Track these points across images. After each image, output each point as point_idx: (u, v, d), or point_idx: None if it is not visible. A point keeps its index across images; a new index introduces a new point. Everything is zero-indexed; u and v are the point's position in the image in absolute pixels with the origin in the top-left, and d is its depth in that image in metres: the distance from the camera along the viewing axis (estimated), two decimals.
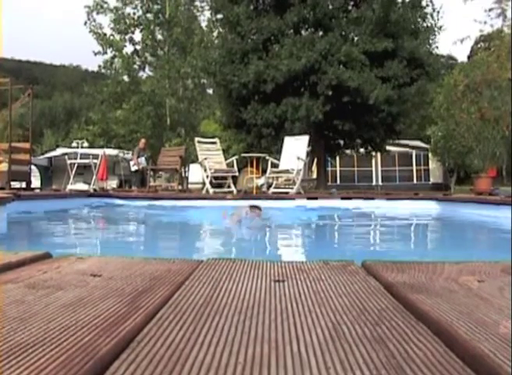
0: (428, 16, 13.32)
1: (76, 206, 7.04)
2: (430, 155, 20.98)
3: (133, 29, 16.65)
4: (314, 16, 12.59)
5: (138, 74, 17.26)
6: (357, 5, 13.19)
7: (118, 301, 0.92)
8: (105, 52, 16.35)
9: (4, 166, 8.09)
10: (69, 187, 12.46)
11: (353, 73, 11.72)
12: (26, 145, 9.37)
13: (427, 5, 13.23)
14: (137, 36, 16.87)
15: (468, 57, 22.84)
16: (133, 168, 12.66)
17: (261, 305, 0.92)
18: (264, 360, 0.63)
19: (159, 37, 16.97)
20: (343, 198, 7.63)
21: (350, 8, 13.52)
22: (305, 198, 7.75)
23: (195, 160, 12.51)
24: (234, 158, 9.87)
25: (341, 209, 6.84)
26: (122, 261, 1.44)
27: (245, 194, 8.50)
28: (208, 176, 9.13)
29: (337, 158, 20.71)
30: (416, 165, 22.35)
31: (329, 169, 20.34)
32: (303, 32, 13.29)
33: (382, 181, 22.01)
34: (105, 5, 16.23)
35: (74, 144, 24.74)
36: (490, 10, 12.70)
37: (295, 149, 9.41)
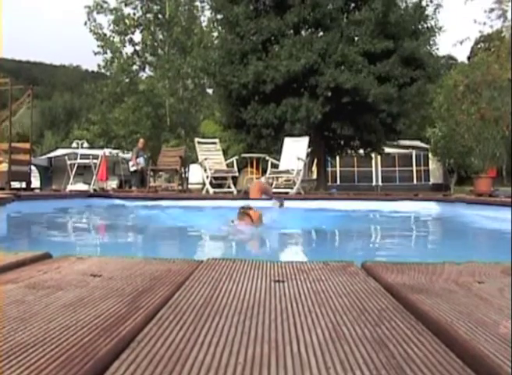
0: (429, 17, 13.32)
1: (76, 206, 7.04)
2: (430, 155, 20.99)
3: (133, 29, 16.66)
4: (313, 17, 12.59)
5: (138, 75, 17.26)
6: (358, 7, 13.20)
7: (118, 301, 0.93)
8: (105, 52, 16.37)
9: (4, 167, 8.10)
10: (69, 187, 12.47)
11: (351, 74, 11.72)
12: (26, 145, 9.38)
13: (427, 5, 13.24)
14: (137, 36, 16.90)
15: (468, 58, 22.85)
16: (132, 168, 12.67)
17: (261, 305, 0.92)
18: (264, 360, 0.63)
19: (160, 37, 16.97)
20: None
21: (350, 8, 13.52)
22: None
23: (195, 160, 12.52)
24: (234, 159, 9.88)
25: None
26: (122, 261, 1.44)
27: (245, 195, 8.50)
28: (208, 177, 9.13)
29: (337, 159, 20.72)
30: (416, 165, 22.36)
31: (329, 169, 20.34)
32: (303, 32, 13.29)
33: (382, 182, 22.02)
34: (105, 5, 16.24)
35: (74, 145, 24.77)
36: (490, 11, 12.72)
37: (295, 150, 9.43)
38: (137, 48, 17.00)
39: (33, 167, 11.10)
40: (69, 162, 13.71)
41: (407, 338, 0.73)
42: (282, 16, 12.85)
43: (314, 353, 0.66)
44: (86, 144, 23.59)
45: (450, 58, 26.50)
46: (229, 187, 9.48)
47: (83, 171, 15.17)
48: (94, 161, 13.39)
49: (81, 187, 12.45)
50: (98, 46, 16.26)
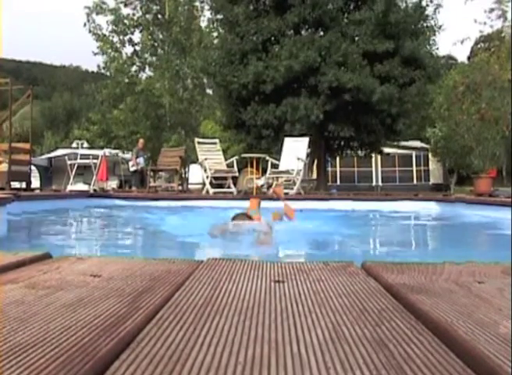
0: (429, 17, 13.31)
1: (76, 207, 7.04)
2: (430, 155, 20.98)
3: (132, 30, 16.66)
4: (314, 17, 12.59)
5: (138, 75, 17.26)
6: (358, 7, 13.20)
7: (118, 301, 0.93)
8: (104, 53, 16.37)
9: (4, 167, 8.10)
10: (69, 187, 12.47)
11: (353, 74, 11.72)
12: (26, 146, 9.38)
13: (427, 5, 13.24)
14: (137, 37, 16.90)
15: (468, 58, 22.85)
16: (132, 168, 12.67)
17: (261, 305, 0.92)
18: (264, 360, 0.63)
19: (160, 36, 16.97)
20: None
21: (350, 8, 13.52)
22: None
23: (195, 161, 12.53)
24: (234, 159, 9.87)
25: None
26: (122, 261, 1.44)
27: (245, 195, 8.50)
28: (208, 177, 9.13)
29: (337, 159, 20.71)
30: (416, 165, 22.35)
31: (329, 169, 20.33)
32: (303, 32, 13.29)
33: (382, 182, 22.01)
34: (104, 6, 16.24)
35: (74, 145, 24.78)
36: (491, 11, 12.71)
37: (295, 150, 9.43)
38: (137, 48, 17.01)
39: (33, 167, 11.09)
40: (69, 163, 13.70)
41: (407, 338, 0.73)
42: (282, 15, 12.84)
43: (314, 353, 0.66)
44: (86, 144, 23.59)
45: (450, 58, 26.50)
46: (229, 188, 9.48)
47: (83, 171, 15.17)
48: (94, 161, 13.39)
49: (81, 187, 12.45)
50: (98, 47, 16.28)
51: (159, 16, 16.59)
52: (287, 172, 9.07)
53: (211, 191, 8.98)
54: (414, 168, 22.35)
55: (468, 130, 10.97)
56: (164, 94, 15.87)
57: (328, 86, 11.74)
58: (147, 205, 7.55)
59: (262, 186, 10.88)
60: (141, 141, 13.13)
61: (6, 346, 0.66)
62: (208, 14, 15.98)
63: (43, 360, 0.61)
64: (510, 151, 11.22)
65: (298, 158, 8.96)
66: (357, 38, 12.72)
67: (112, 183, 16.48)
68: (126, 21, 16.45)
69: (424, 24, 13.35)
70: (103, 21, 16.39)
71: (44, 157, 24.29)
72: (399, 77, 12.29)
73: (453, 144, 14.54)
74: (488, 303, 0.93)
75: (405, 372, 0.60)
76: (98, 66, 16.91)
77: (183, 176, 13.54)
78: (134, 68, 17.10)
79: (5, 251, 1.62)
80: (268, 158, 9.68)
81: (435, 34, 13.48)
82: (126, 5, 16.44)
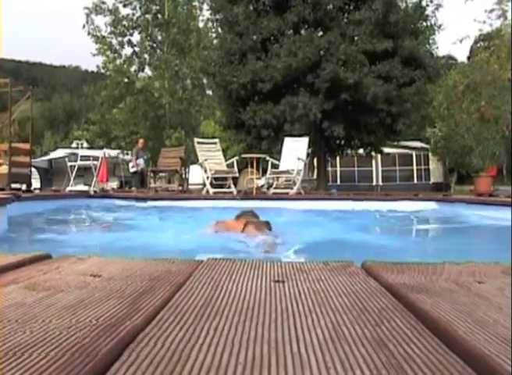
0: (429, 16, 13.31)
1: (76, 207, 7.04)
2: (430, 154, 20.98)
3: (131, 31, 16.66)
4: (313, 17, 12.59)
5: (137, 76, 17.23)
6: (358, 7, 13.20)
7: (118, 302, 0.93)
8: (103, 54, 16.36)
9: (4, 169, 8.09)
10: (70, 189, 12.46)
11: (353, 73, 11.72)
12: (27, 146, 9.37)
13: (427, 5, 13.23)
14: (136, 37, 16.89)
15: (468, 57, 22.84)
16: (132, 169, 12.68)
17: (261, 305, 0.92)
18: (264, 360, 0.63)
19: (159, 37, 16.96)
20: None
21: (350, 8, 13.51)
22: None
23: (195, 161, 12.52)
24: (234, 159, 9.88)
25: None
26: (122, 261, 1.44)
27: (245, 195, 8.50)
28: (208, 177, 9.13)
29: (337, 159, 20.71)
30: (416, 165, 22.35)
31: (329, 169, 20.33)
32: (302, 32, 13.29)
33: (383, 181, 22.01)
34: (104, 6, 16.23)
35: (74, 145, 24.79)
36: (491, 11, 12.69)
37: (295, 150, 9.43)
38: (136, 48, 17.00)
39: (33, 169, 11.10)
40: (69, 164, 13.70)
41: (407, 338, 0.73)
42: (281, 15, 12.85)
43: (314, 353, 0.66)
44: (85, 145, 23.60)
45: (450, 58, 26.49)
46: (229, 188, 9.48)
47: (84, 172, 15.16)
48: (95, 162, 13.38)
49: (81, 188, 12.44)
50: (97, 49, 16.27)
51: (159, 16, 16.58)
52: (287, 172, 9.07)
53: (212, 191, 8.98)
54: (415, 167, 22.35)
55: (468, 130, 10.97)
56: (163, 94, 15.86)
57: (327, 80, 11.71)
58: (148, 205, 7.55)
59: (262, 186, 10.90)
60: (141, 141, 13.12)
61: (6, 347, 0.66)
62: (206, 14, 16.02)
63: (43, 361, 0.61)
64: (510, 150, 11.21)
65: (298, 158, 8.96)
66: (356, 38, 12.72)
67: (113, 184, 16.49)
68: (125, 22, 16.44)
69: (424, 24, 13.35)
70: (102, 22, 16.40)
71: (44, 159, 24.32)
72: (398, 77, 12.29)
73: (453, 143, 14.54)
74: (489, 303, 0.93)
75: (405, 371, 0.60)
76: (98, 67, 16.92)
77: (184, 176, 13.54)
78: (133, 68, 17.08)
79: (6, 251, 1.62)
80: (268, 158, 9.69)
81: (434, 34, 13.48)
82: (125, 6, 16.44)
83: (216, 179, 9.63)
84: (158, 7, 16.59)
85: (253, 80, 12.40)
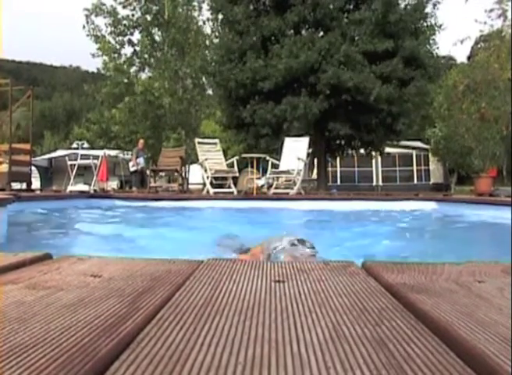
0: (428, 15, 13.30)
1: (77, 207, 7.04)
2: (430, 155, 20.98)
3: (131, 31, 16.66)
4: (314, 17, 12.60)
5: (137, 76, 17.23)
6: (358, 6, 13.20)
7: (118, 301, 0.93)
8: (103, 54, 16.36)
9: (4, 168, 8.10)
10: (70, 188, 12.47)
11: (354, 73, 11.72)
12: (27, 146, 9.38)
13: (426, 3, 13.22)
14: (136, 37, 16.89)
15: (468, 58, 22.83)
16: (132, 169, 12.68)
17: (261, 305, 0.92)
18: (264, 360, 0.63)
19: (158, 38, 16.96)
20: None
21: (351, 7, 13.52)
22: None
23: (195, 161, 12.53)
24: (234, 159, 9.88)
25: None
26: (122, 261, 1.44)
27: (245, 195, 8.50)
28: (208, 177, 9.13)
29: (337, 159, 20.72)
30: (416, 165, 22.35)
31: (330, 169, 20.35)
32: (303, 32, 13.29)
33: (383, 181, 22.01)
34: (104, 7, 16.23)
35: (74, 145, 24.79)
36: (491, 11, 12.68)
37: (295, 150, 9.44)
38: (137, 48, 17.00)
39: (33, 168, 11.10)
40: (69, 163, 13.71)
41: (407, 338, 0.73)
42: (282, 15, 12.85)
43: (314, 353, 0.66)
44: (86, 145, 23.60)
45: (450, 58, 26.48)
46: (229, 188, 9.48)
47: (84, 172, 15.18)
48: (95, 161, 13.39)
49: (81, 187, 12.45)
50: (97, 49, 16.27)
51: (159, 17, 16.57)
52: (287, 172, 9.08)
53: (212, 191, 8.98)
54: (415, 167, 22.35)
55: (468, 130, 10.98)
56: (163, 94, 15.86)
57: (328, 82, 11.73)
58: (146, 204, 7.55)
59: (262, 186, 10.89)
60: (141, 141, 13.13)
61: (6, 346, 0.66)
62: (206, 14, 16.03)
63: (43, 360, 0.61)
64: (510, 150, 11.21)
65: (298, 158, 8.96)
66: (356, 38, 12.72)
67: (113, 184, 16.50)
68: (125, 22, 16.43)
69: (424, 23, 13.35)
70: (102, 23, 16.40)
71: (44, 157, 24.31)
72: (399, 76, 12.29)
73: (453, 144, 14.54)
74: (489, 302, 0.93)
75: (405, 371, 0.60)
76: (98, 68, 16.94)
77: (184, 176, 13.56)
78: (134, 68, 17.08)
79: (6, 251, 1.62)
80: (268, 158, 9.69)
81: (434, 34, 13.48)
82: (124, 7, 16.43)
83: (216, 179, 9.63)
84: (157, 7, 16.59)
85: (253, 78, 12.40)
